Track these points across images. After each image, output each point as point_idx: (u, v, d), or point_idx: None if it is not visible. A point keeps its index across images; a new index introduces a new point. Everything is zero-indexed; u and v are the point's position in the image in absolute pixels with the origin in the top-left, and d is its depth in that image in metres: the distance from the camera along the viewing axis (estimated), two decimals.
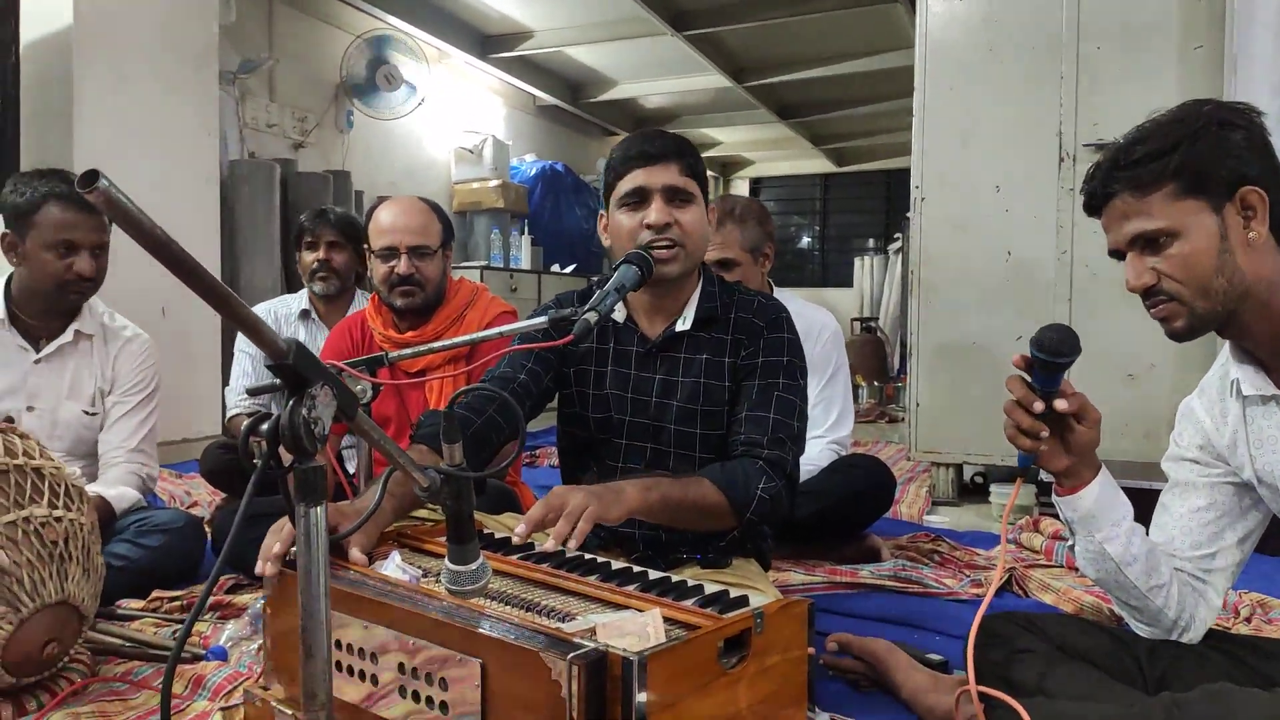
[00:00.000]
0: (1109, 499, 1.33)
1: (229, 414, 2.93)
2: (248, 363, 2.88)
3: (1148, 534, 1.40)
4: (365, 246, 2.34)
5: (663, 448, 1.66)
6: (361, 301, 2.85)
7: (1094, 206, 1.30)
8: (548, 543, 1.28)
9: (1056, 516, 2.70)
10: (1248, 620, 2.00)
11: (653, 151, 1.62)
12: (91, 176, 0.59)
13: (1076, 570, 2.39)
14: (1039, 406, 1.24)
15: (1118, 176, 1.24)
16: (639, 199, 1.62)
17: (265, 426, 0.80)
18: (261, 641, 1.67)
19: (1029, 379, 1.25)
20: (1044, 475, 2.95)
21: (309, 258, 2.83)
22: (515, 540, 1.32)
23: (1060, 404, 1.23)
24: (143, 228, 0.62)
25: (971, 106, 3.39)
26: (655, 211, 1.60)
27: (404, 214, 2.22)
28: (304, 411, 0.78)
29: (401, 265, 2.19)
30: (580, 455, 1.75)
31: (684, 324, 1.66)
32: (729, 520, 1.52)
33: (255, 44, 5.21)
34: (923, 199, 3.47)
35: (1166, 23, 3.19)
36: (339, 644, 1.12)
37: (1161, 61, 3.19)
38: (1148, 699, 1.21)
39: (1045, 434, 1.25)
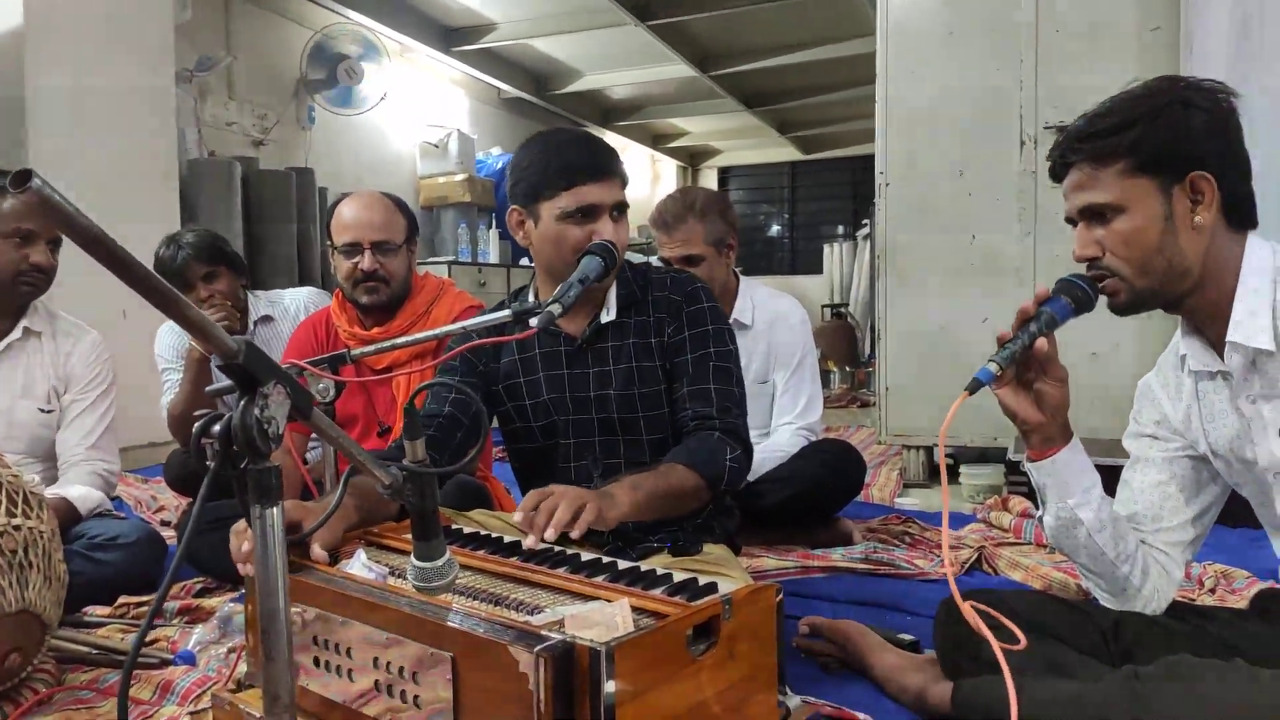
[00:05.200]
0: (1080, 466, 1.35)
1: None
2: (176, 377, 2.78)
3: None
4: (328, 244, 2.31)
5: (610, 438, 1.67)
6: (259, 308, 2.73)
7: (1056, 174, 1.32)
8: (548, 530, 1.27)
9: (1025, 495, 2.76)
10: (1211, 591, 2.03)
11: (604, 167, 1.60)
12: (24, 176, 0.58)
13: (1045, 547, 2.43)
14: (1030, 308, 1.27)
15: (1078, 148, 1.27)
16: (589, 215, 1.59)
17: (217, 428, 0.79)
18: (231, 644, 1.65)
19: (1046, 307, 1.27)
20: (1013, 455, 2.99)
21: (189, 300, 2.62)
22: (518, 518, 1.31)
23: (1041, 343, 1.25)
24: (80, 227, 0.61)
25: (933, 91, 3.41)
26: (608, 231, 1.59)
27: (366, 209, 2.20)
28: (256, 411, 0.77)
29: (365, 261, 2.17)
30: (534, 465, 1.75)
31: (608, 315, 1.66)
32: (705, 496, 1.54)
33: (212, 41, 5.13)
34: (887, 184, 3.48)
35: (1124, 5, 3.22)
36: (316, 640, 1.11)
37: (1120, 43, 3.22)
38: (1112, 672, 1.23)
39: (1016, 346, 1.25)
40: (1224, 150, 1.23)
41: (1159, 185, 1.23)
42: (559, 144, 1.63)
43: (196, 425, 0.81)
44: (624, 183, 1.64)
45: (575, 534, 1.27)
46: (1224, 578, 2.10)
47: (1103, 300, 1.33)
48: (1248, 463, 1.28)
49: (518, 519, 1.29)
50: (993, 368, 1.24)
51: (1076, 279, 1.29)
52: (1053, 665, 1.31)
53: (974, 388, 1.24)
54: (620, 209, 1.62)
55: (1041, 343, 1.25)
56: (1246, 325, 1.22)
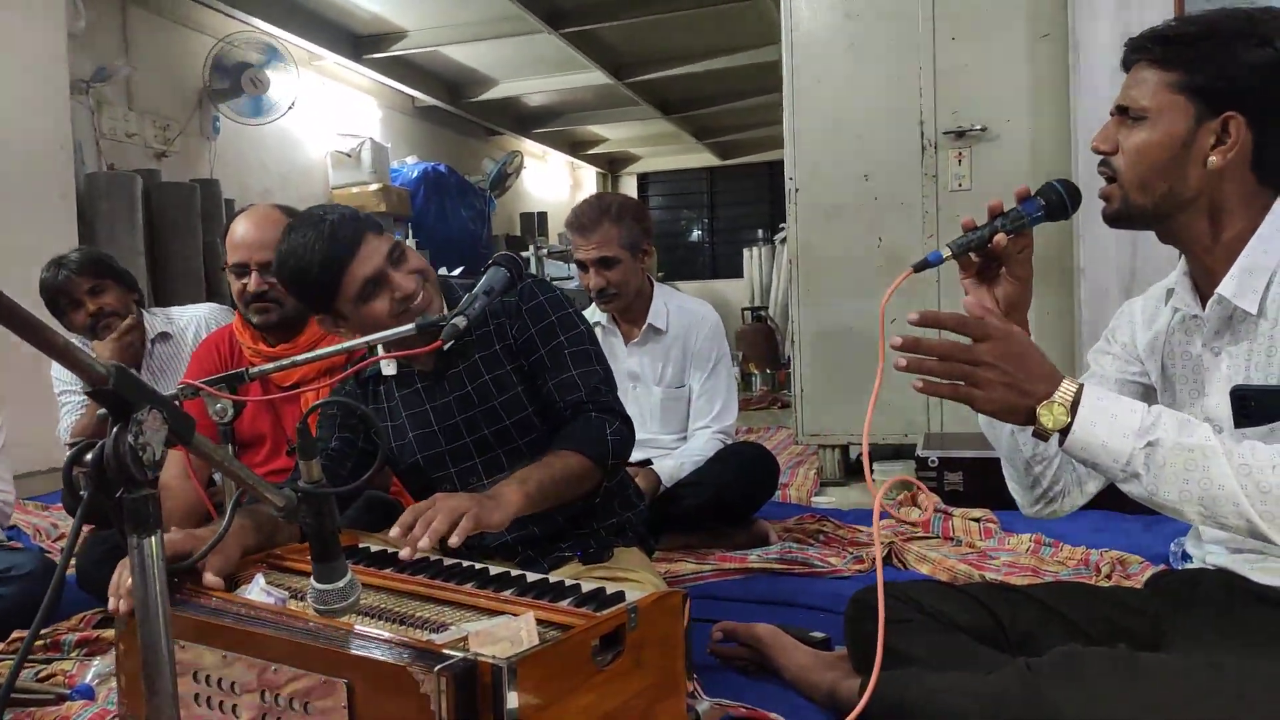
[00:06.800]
0: None
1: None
2: (76, 400, 2.69)
3: None
4: (223, 265, 2.25)
5: (489, 454, 1.67)
6: (156, 325, 2.66)
7: (1125, 64, 1.29)
8: (422, 540, 1.25)
9: (934, 491, 2.83)
10: (1108, 577, 2.12)
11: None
12: None
13: (952, 540, 2.50)
14: (995, 204, 1.25)
15: (1147, 45, 1.24)
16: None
17: (90, 456, 0.76)
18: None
19: (1019, 206, 1.25)
20: (921, 451, 3.06)
21: (79, 319, 2.55)
22: (394, 533, 1.29)
23: (999, 239, 1.22)
24: None
25: (838, 98, 3.49)
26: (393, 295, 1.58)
27: (256, 228, 2.13)
28: (130, 438, 0.75)
29: (252, 282, 2.10)
30: (427, 495, 1.74)
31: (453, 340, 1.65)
32: (597, 476, 1.56)
33: (109, 51, 4.96)
34: (796, 190, 3.55)
35: (1016, 12, 3.35)
36: (196, 676, 1.08)
37: (1013, 49, 3.35)
38: (1008, 662, 1.27)
39: (974, 237, 1.23)
40: (1277, 101, 1.17)
41: (1195, 111, 1.19)
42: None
43: (69, 454, 0.79)
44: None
45: (454, 542, 1.26)
46: (1120, 563, 2.18)
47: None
48: (1192, 411, 1.29)
49: (394, 534, 1.27)
50: (944, 251, 1.25)
51: (1058, 183, 1.26)
52: (952, 656, 1.35)
53: (921, 267, 1.25)
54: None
55: (1000, 238, 1.23)
56: (1240, 282, 1.20)
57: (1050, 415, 1.11)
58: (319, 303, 1.59)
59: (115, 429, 0.75)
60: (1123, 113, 1.26)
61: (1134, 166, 1.23)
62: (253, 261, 2.10)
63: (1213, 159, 1.20)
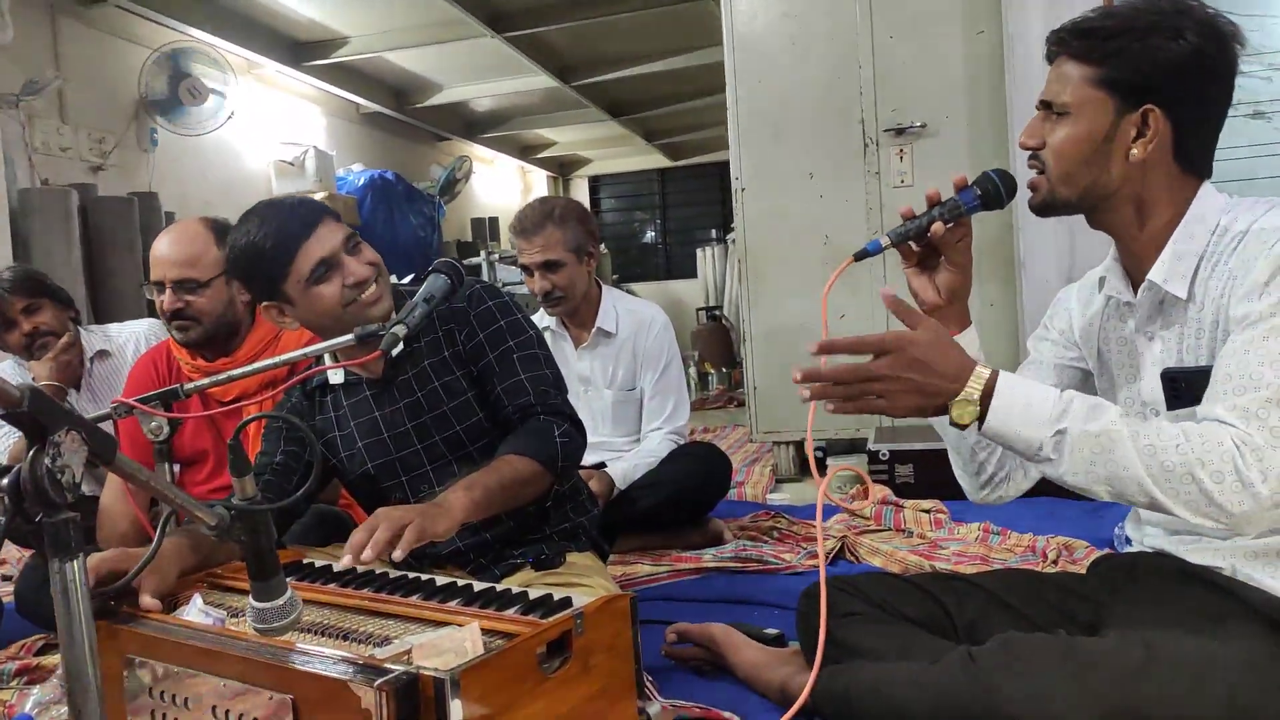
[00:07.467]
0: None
1: None
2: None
3: None
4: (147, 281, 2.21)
5: (440, 461, 1.66)
6: (93, 343, 2.63)
7: (1048, 57, 1.31)
8: (366, 552, 1.23)
9: (885, 483, 2.86)
10: (1054, 563, 2.15)
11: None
12: None
13: (903, 533, 2.53)
14: (933, 193, 1.30)
15: (1066, 40, 1.26)
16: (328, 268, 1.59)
17: (6, 480, 0.74)
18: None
19: (956, 196, 1.29)
20: (872, 445, 3.09)
21: (14, 339, 2.53)
22: (344, 564, 1.27)
23: (937, 227, 1.27)
24: None
25: (780, 98, 3.52)
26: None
27: (172, 244, 2.07)
28: (47, 461, 0.73)
29: (166, 300, 2.05)
30: (377, 507, 1.73)
31: (397, 348, 1.62)
32: (547, 479, 1.56)
33: (39, 62, 4.82)
34: (743, 189, 3.57)
35: (951, 10, 3.40)
36: (151, 693, 1.06)
37: (948, 46, 3.40)
38: (952, 650, 1.29)
39: (912, 226, 1.28)
40: (1192, 92, 1.21)
41: (1115, 105, 1.22)
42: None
43: None
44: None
45: (397, 556, 1.25)
46: (1065, 549, 2.22)
47: None
48: (1128, 393, 1.33)
49: (346, 561, 1.25)
50: (883, 240, 1.28)
51: (993, 173, 1.30)
52: (900, 647, 1.36)
53: (861, 255, 1.28)
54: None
55: (938, 227, 1.27)
56: (1169, 268, 1.23)
57: (961, 410, 1.15)
58: (268, 284, 1.57)
59: (32, 451, 0.73)
60: (1047, 108, 1.29)
61: (1059, 161, 1.26)
62: (167, 279, 2.05)
63: (1134, 151, 1.23)
